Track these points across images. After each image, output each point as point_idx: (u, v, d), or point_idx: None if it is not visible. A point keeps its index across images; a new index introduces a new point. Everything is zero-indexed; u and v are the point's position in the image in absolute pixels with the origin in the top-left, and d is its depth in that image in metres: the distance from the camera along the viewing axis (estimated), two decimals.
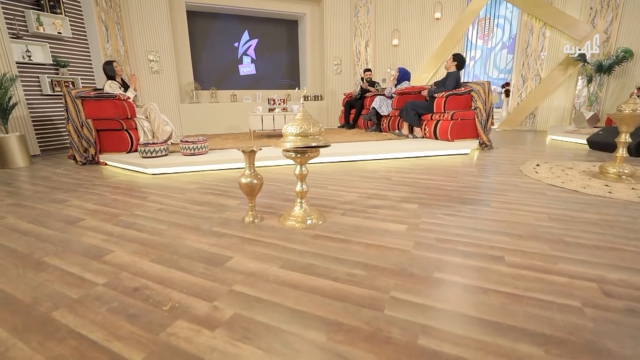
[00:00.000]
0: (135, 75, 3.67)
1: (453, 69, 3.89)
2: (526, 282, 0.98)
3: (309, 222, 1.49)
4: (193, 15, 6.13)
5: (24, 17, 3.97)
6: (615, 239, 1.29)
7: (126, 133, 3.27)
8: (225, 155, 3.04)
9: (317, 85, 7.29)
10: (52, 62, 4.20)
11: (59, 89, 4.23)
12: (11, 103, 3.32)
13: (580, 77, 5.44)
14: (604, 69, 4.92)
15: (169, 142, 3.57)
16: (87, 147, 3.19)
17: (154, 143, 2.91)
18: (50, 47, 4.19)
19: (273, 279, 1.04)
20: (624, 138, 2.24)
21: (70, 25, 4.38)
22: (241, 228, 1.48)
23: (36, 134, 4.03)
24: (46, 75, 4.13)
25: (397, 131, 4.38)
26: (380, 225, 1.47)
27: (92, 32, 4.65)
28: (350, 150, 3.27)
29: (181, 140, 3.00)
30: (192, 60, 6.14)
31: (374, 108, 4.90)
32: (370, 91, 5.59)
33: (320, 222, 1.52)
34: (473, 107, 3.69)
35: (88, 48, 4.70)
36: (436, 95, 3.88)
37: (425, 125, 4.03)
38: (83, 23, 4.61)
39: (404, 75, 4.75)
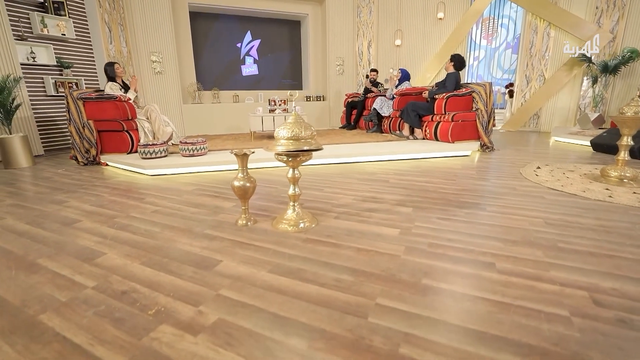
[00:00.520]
0: (136, 77, 3.69)
1: (452, 69, 3.86)
2: (515, 290, 0.97)
3: (301, 225, 1.48)
4: (196, 16, 6.16)
5: (28, 19, 4.03)
6: (611, 245, 1.26)
7: (127, 134, 3.30)
8: (224, 156, 3.05)
9: (319, 85, 7.29)
10: (56, 64, 4.25)
11: (63, 90, 4.28)
12: (15, 104, 3.37)
13: (585, 78, 5.36)
14: (609, 70, 4.84)
15: (169, 143, 3.59)
16: (88, 148, 3.22)
17: (153, 144, 2.94)
18: (54, 49, 4.24)
19: (260, 283, 1.04)
20: (626, 141, 2.20)
21: (74, 26, 4.44)
22: (233, 231, 1.48)
23: (40, 134, 4.09)
24: (50, 77, 4.19)
25: (397, 132, 4.36)
26: (373, 229, 1.46)
27: (95, 34, 4.70)
28: (350, 151, 3.26)
29: (180, 142, 3.01)
30: (195, 60, 6.17)
31: (375, 109, 4.88)
32: (373, 91, 5.57)
33: (314, 225, 1.51)
34: (474, 109, 3.66)
35: (91, 49, 4.75)
36: (437, 96, 3.85)
37: (426, 126, 4.00)
38: (87, 24, 4.67)
39: (404, 76, 4.72)
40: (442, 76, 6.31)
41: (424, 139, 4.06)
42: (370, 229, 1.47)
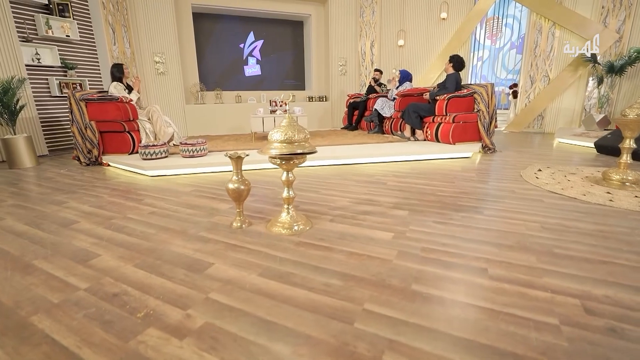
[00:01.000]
0: (139, 78, 3.72)
1: (451, 71, 3.84)
2: (506, 297, 0.96)
3: (295, 228, 1.48)
4: (199, 17, 6.20)
5: (33, 21, 4.08)
6: (607, 251, 1.24)
7: (128, 135, 3.33)
8: (224, 157, 3.04)
9: (322, 86, 7.29)
10: (60, 65, 4.30)
11: (67, 91, 4.33)
12: (19, 105, 3.41)
13: (591, 78, 5.28)
14: (615, 70, 4.77)
15: (170, 144, 3.62)
16: (90, 149, 3.26)
17: (154, 145, 2.96)
18: (59, 50, 4.29)
19: (249, 287, 1.04)
20: (629, 144, 2.16)
21: (78, 28, 4.49)
22: (228, 233, 1.48)
23: (44, 134, 4.14)
24: (55, 77, 4.24)
25: (399, 133, 4.34)
26: (367, 232, 1.46)
27: (99, 35, 4.75)
28: (349, 153, 3.25)
29: (181, 143, 3.03)
30: (198, 61, 6.21)
31: (376, 110, 4.86)
32: (376, 91, 5.56)
33: (308, 228, 1.51)
34: (476, 110, 3.63)
35: (95, 50, 4.81)
36: (438, 97, 3.83)
37: (427, 127, 3.98)
38: (91, 26, 4.72)
39: (405, 77, 4.70)
40: (444, 77, 6.28)
41: (425, 140, 4.04)
42: (363, 232, 1.46)
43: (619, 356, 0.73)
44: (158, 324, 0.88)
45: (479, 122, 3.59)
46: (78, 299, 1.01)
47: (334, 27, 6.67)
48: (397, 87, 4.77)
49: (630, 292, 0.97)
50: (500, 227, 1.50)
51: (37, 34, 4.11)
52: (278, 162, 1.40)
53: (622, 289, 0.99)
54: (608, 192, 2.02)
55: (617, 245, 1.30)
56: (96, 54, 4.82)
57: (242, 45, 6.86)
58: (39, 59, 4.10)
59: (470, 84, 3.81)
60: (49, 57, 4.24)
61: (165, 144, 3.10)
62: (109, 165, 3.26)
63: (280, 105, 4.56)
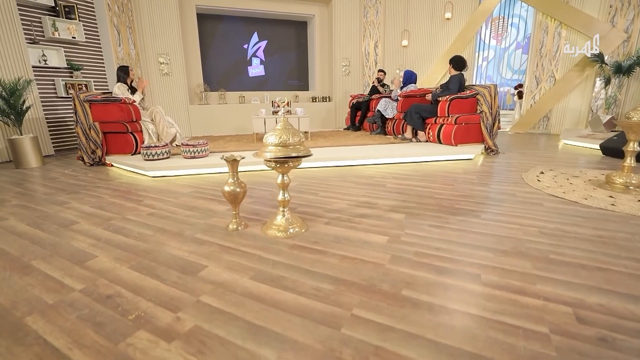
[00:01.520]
0: (143, 80, 3.76)
1: (453, 72, 3.81)
2: (497, 304, 0.95)
3: (290, 231, 1.49)
4: (203, 18, 6.24)
5: (40, 23, 4.15)
6: (605, 257, 1.22)
7: (131, 135, 3.37)
8: None
9: (325, 86, 7.29)
10: (66, 66, 4.37)
11: (72, 92, 4.40)
12: (25, 106, 3.48)
13: (598, 79, 5.20)
14: (623, 70, 4.68)
15: (173, 144, 3.66)
16: (94, 149, 3.30)
17: (155, 146, 2.99)
18: (65, 52, 4.36)
19: (241, 290, 1.05)
20: (633, 147, 2.12)
21: (84, 30, 4.56)
22: (223, 236, 1.49)
23: (50, 134, 4.21)
24: (61, 79, 4.31)
25: (399, 137, 4.32)
26: (362, 236, 1.46)
27: (104, 37, 4.81)
28: (350, 154, 3.25)
29: (182, 144, 3.06)
30: (202, 62, 6.26)
31: (379, 111, 4.85)
32: (379, 91, 5.54)
33: (303, 231, 1.51)
34: (478, 111, 3.60)
35: (101, 52, 4.87)
36: (440, 98, 3.80)
37: (429, 129, 3.95)
38: (96, 28, 4.78)
39: (409, 77, 4.67)
40: (448, 78, 6.24)
41: (427, 141, 4.02)
42: (358, 235, 1.46)
43: None
44: (148, 327, 0.89)
45: (481, 123, 3.56)
46: (73, 300, 1.03)
47: (337, 27, 6.67)
48: (401, 88, 4.74)
49: (625, 300, 0.96)
50: (497, 231, 1.48)
51: (43, 36, 4.18)
52: (273, 165, 1.41)
53: (616, 297, 0.97)
54: (610, 196, 1.99)
55: (615, 251, 1.28)
56: (101, 55, 4.88)
57: (246, 46, 6.90)
58: (45, 61, 4.17)
59: (474, 85, 3.77)
60: (56, 58, 4.31)
61: (167, 144, 3.13)
62: (112, 165, 3.31)
63: (281, 107, 4.56)
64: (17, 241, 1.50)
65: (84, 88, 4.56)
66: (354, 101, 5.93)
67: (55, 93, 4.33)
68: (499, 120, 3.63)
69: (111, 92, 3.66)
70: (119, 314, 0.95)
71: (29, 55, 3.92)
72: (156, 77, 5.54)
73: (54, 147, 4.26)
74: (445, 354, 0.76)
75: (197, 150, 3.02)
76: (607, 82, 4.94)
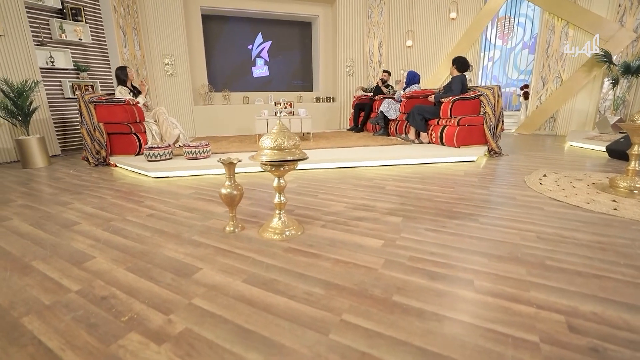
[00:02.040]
0: (144, 83, 3.81)
1: (455, 73, 3.78)
2: (488, 311, 0.94)
3: (287, 233, 1.49)
4: (208, 19, 6.29)
5: (48, 25, 4.23)
6: (603, 264, 1.21)
7: (134, 136, 3.41)
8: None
9: (329, 86, 7.28)
10: (73, 67, 4.45)
11: (78, 93, 4.47)
12: (32, 107, 3.54)
13: (606, 79, 5.10)
14: (632, 71, 4.59)
15: (176, 145, 3.69)
16: (99, 150, 3.36)
17: (158, 147, 3.02)
18: (72, 53, 4.43)
19: (233, 293, 1.06)
20: (637, 150, 2.08)
21: (91, 31, 4.62)
22: (219, 238, 1.51)
23: (57, 135, 4.29)
24: (68, 80, 4.39)
25: (403, 135, 4.30)
26: (357, 239, 1.46)
27: (110, 38, 4.88)
28: (351, 156, 3.24)
29: (184, 145, 3.09)
30: (207, 62, 6.30)
31: (381, 112, 4.83)
32: (383, 92, 5.52)
33: (299, 234, 1.52)
34: (482, 113, 3.56)
35: (107, 53, 4.94)
36: (443, 100, 3.77)
37: (432, 130, 3.93)
38: (102, 29, 4.85)
39: (412, 78, 4.65)
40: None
41: (429, 143, 3.99)
42: (354, 239, 1.46)
43: None
44: (140, 329, 0.90)
45: (485, 125, 3.53)
46: (68, 301, 1.05)
47: (341, 27, 6.66)
48: (404, 89, 4.72)
49: (620, 309, 0.94)
50: (493, 236, 1.47)
51: (51, 38, 4.25)
52: (268, 169, 1.41)
53: (611, 306, 0.96)
54: (614, 200, 1.95)
55: (614, 258, 1.25)
56: (107, 57, 4.95)
57: (250, 47, 6.93)
58: (52, 62, 4.24)
59: (477, 87, 3.74)
60: (63, 60, 4.38)
61: (169, 145, 3.17)
62: (116, 166, 3.35)
63: (285, 107, 4.58)
64: (20, 241, 1.53)
65: (90, 89, 4.63)
66: (357, 101, 5.91)
67: (63, 94, 4.41)
68: (502, 121, 3.59)
69: (114, 94, 3.70)
70: (113, 316, 0.97)
71: (37, 57, 3.99)
72: (161, 78, 5.60)
73: (60, 147, 4.34)
74: None
75: (198, 151, 3.05)
76: (616, 82, 4.85)
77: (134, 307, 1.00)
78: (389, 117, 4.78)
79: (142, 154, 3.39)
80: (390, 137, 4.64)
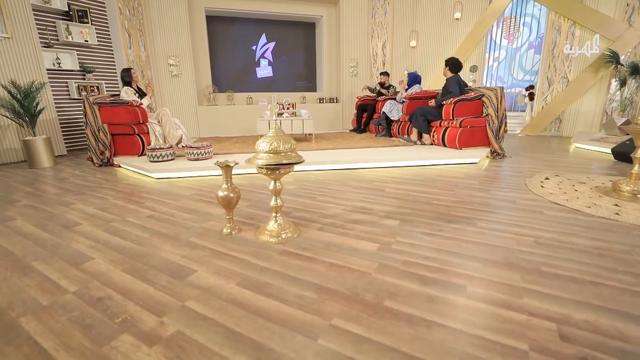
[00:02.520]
0: (151, 84, 3.86)
1: (449, 74, 3.77)
2: (479, 318, 0.94)
3: (283, 236, 1.50)
4: (212, 20, 6.33)
5: (54, 27, 4.30)
6: (600, 270, 1.19)
7: (138, 137, 3.46)
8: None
9: (333, 87, 7.29)
10: (79, 69, 4.52)
11: (83, 94, 4.54)
12: (39, 108, 3.61)
13: (613, 80, 5.02)
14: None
15: (179, 146, 3.73)
16: (103, 150, 3.40)
17: (160, 148, 3.06)
18: (78, 54, 4.51)
19: (226, 296, 1.07)
20: None
21: (96, 33, 4.69)
22: (216, 240, 1.52)
23: (63, 135, 4.36)
24: (74, 81, 4.46)
25: (405, 137, 4.28)
26: (353, 243, 1.46)
27: (116, 40, 4.94)
28: (352, 157, 3.24)
29: (186, 146, 3.12)
30: (211, 63, 6.35)
31: (384, 113, 4.82)
32: (383, 94, 5.51)
33: (296, 236, 1.53)
34: (484, 114, 3.53)
35: (112, 54, 5.01)
36: (444, 102, 3.75)
37: (434, 132, 3.91)
38: (108, 31, 4.92)
39: (414, 79, 4.63)
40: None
41: (432, 144, 3.97)
42: (349, 242, 1.46)
43: None
44: (133, 330, 0.92)
45: (487, 126, 3.50)
46: (65, 302, 1.07)
47: (345, 28, 6.66)
48: (406, 90, 4.71)
49: (614, 317, 0.93)
50: (490, 240, 1.46)
51: (57, 40, 4.32)
52: (265, 172, 1.42)
53: (605, 314, 0.95)
54: (616, 205, 1.92)
55: (612, 264, 1.24)
56: (113, 58, 5.02)
57: (254, 47, 6.96)
58: (59, 64, 4.31)
59: (480, 87, 3.70)
60: (69, 61, 4.46)
61: (171, 146, 3.20)
62: (119, 166, 3.40)
63: (287, 108, 4.60)
64: (22, 242, 1.57)
65: (95, 90, 4.70)
66: (360, 102, 5.90)
67: (69, 95, 4.48)
68: (505, 123, 3.56)
69: (118, 96, 3.75)
70: (107, 317, 0.98)
71: (44, 59, 4.06)
72: (165, 79, 5.65)
73: (66, 147, 4.41)
74: None
75: (200, 152, 3.07)
76: (623, 83, 4.77)
77: (128, 308, 1.02)
78: (392, 118, 4.77)
79: (145, 154, 3.44)
80: (392, 138, 4.62)
